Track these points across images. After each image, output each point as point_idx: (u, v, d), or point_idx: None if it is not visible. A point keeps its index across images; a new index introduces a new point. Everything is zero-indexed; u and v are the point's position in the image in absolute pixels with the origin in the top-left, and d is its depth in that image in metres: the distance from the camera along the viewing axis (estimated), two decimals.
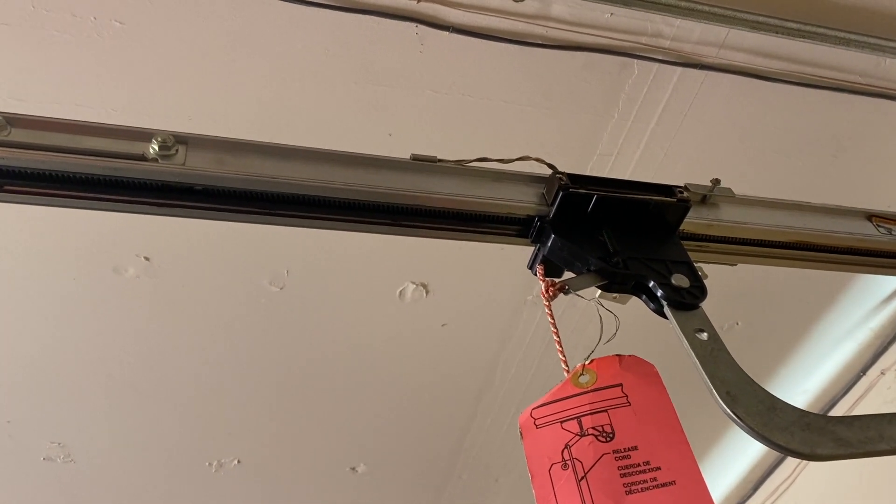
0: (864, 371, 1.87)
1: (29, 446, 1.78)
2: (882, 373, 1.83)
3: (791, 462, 2.05)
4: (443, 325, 1.66)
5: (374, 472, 2.06)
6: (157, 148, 0.72)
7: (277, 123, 1.22)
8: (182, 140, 0.75)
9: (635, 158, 1.36)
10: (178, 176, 0.72)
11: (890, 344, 1.79)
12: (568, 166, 1.38)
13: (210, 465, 1.92)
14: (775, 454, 2.09)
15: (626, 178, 1.40)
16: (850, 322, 1.82)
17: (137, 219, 1.35)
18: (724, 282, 1.64)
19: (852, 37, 1.20)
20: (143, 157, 0.72)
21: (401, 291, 1.55)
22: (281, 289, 1.49)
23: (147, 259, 1.41)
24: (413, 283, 1.54)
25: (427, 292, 1.57)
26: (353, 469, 2.04)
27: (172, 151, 0.73)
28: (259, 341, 1.62)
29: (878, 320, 1.78)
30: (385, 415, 1.90)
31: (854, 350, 1.85)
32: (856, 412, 1.91)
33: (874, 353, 1.83)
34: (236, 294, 1.50)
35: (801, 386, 1.97)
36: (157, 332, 1.56)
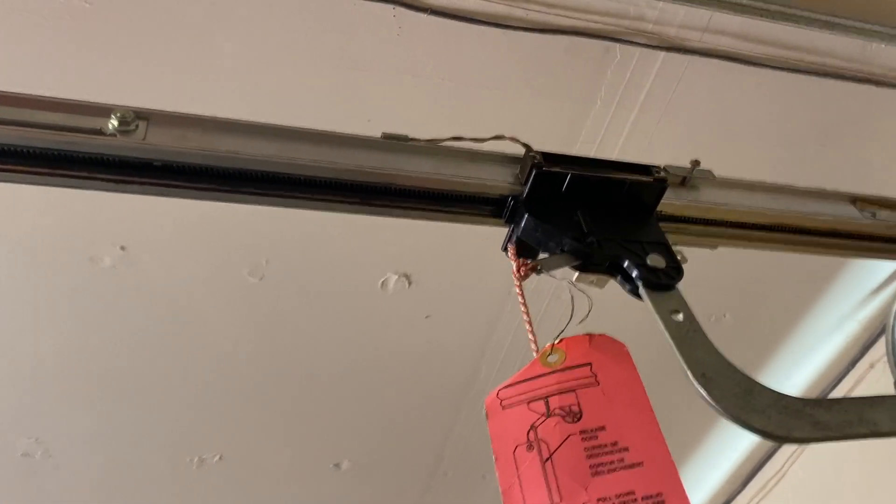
0: (853, 364, 1.85)
1: (6, 442, 1.75)
2: (871, 366, 1.81)
3: (782, 456, 2.04)
4: (426, 316, 1.63)
5: (359, 468, 2.03)
6: (115, 123, 0.70)
7: (253, 107, 1.20)
8: (143, 116, 0.72)
9: (619, 145, 1.34)
10: (137, 151, 0.70)
11: (879, 336, 1.77)
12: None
13: (191, 460, 1.90)
14: (766, 448, 2.08)
15: (613, 160, 1.39)
16: (839, 314, 1.80)
17: (112, 207, 1.34)
18: (712, 273, 1.63)
19: (837, 20, 1.18)
20: (100, 132, 0.70)
21: (383, 282, 1.53)
22: (260, 279, 1.46)
23: (123, 249, 1.38)
24: (395, 273, 1.52)
25: (410, 283, 1.54)
26: (337, 465, 2.01)
27: (132, 127, 0.71)
28: (239, 334, 1.59)
29: (867, 312, 1.77)
30: (369, 410, 1.88)
31: (843, 343, 1.83)
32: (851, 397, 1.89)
33: (863, 346, 1.81)
34: (215, 285, 1.47)
35: (790, 379, 1.95)
36: (136, 323, 1.54)
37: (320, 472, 2.03)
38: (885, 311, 1.72)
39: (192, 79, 1.15)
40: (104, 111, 0.71)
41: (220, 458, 1.92)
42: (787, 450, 2.02)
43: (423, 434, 1.99)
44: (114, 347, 1.58)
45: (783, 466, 2.01)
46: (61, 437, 1.78)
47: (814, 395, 1.96)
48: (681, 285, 0.76)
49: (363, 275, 1.51)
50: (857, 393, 1.86)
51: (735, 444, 2.11)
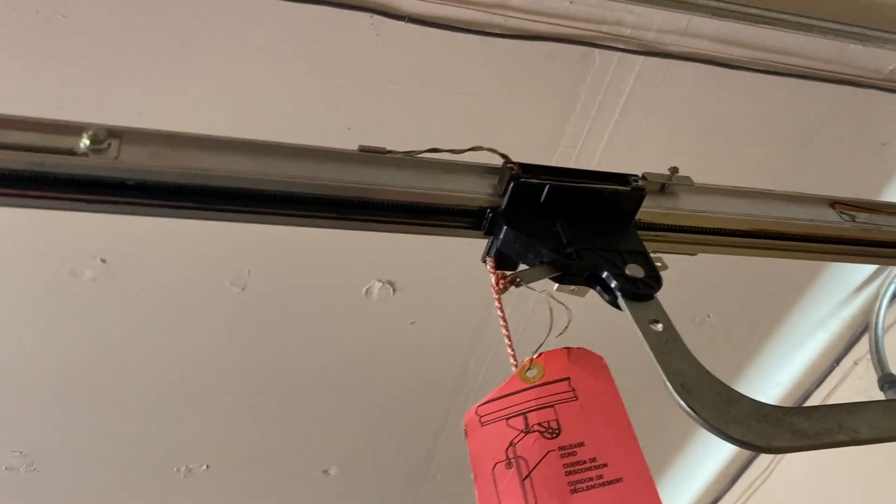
0: (837, 362, 1.86)
1: None
2: (855, 363, 1.82)
3: (767, 455, 2.05)
4: (412, 323, 1.63)
5: (347, 474, 2.03)
6: (87, 142, 0.69)
7: (232, 119, 1.19)
8: (115, 134, 0.71)
9: (600, 150, 1.34)
10: (110, 170, 0.69)
11: (862, 334, 1.78)
12: (532, 159, 1.35)
13: (178, 470, 1.88)
14: None
15: (590, 169, 1.39)
16: (822, 313, 1.81)
17: (92, 220, 1.33)
18: (695, 274, 1.64)
19: (815, 22, 1.19)
20: (72, 152, 0.69)
21: (367, 290, 1.52)
22: (243, 289, 1.45)
23: (104, 261, 1.37)
24: (379, 281, 1.52)
25: (394, 290, 1.54)
26: (326, 472, 2.01)
27: (104, 146, 0.70)
28: (223, 343, 1.58)
29: (850, 310, 1.78)
30: (357, 416, 1.87)
31: (827, 341, 1.84)
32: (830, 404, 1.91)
33: (847, 344, 1.83)
34: (197, 295, 1.46)
35: (775, 378, 1.96)
36: (119, 335, 1.52)
37: (309, 478, 2.03)
38: (867, 309, 1.74)
39: (170, 92, 1.14)
40: (76, 130, 0.70)
41: (208, 467, 1.91)
42: None
43: (412, 439, 1.99)
44: (98, 360, 1.57)
45: (769, 465, 2.02)
46: (46, 450, 1.76)
47: (799, 392, 1.97)
48: (660, 294, 0.76)
49: (347, 282, 1.51)
50: (843, 390, 1.88)
51: (721, 444, 2.12)
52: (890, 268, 1.69)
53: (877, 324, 1.67)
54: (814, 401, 1.93)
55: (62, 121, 0.71)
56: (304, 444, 1.92)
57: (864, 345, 1.77)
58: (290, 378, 1.72)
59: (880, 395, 1.62)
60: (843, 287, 1.75)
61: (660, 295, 0.78)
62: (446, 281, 1.55)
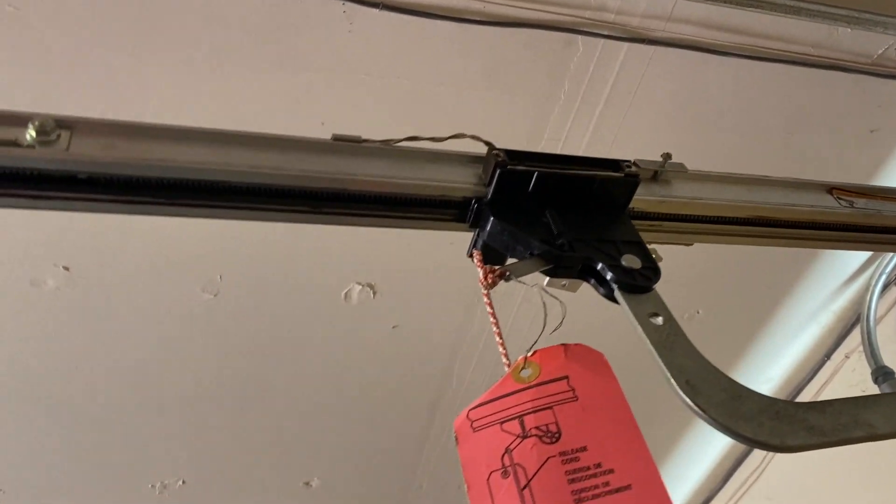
0: (828, 356, 1.83)
1: None
2: (846, 356, 1.80)
3: (759, 453, 2.01)
4: (393, 326, 1.57)
5: (329, 485, 1.96)
6: (34, 133, 0.63)
7: (196, 115, 1.13)
8: (66, 125, 0.65)
9: (585, 140, 1.29)
10: (58, 163, 0.63)
11: (853, 327, 1.75)
12: None
13: (153, 486, 1.81)
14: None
15: (581, 155, 1.34)
16: (812, 306, 1.78)
17: (52, 226, 1.26)
18: (683, 270, 1.59)
19: (802, 5, 1.15)
20: (16, 143, 0.63)
21: (346, 293, 1.47)
22: (215, 296, 1.39)
23: (67, 269, 1.30)
24: (359, 283, 1.46)
25: (375, 293, 1.48)
26: (307, 483, 1.94)
27: (53, 137, 0.64)
28: (196, 352, 1.52)
29: (840, 303, 1.75)
30: (338, 424, 1.81)
31: (817, 334, 1.81)
32: (822, 398, 1.88)
33: (837, 337, 1.80)
34: (167, 303, 1.40)
35: (765, 374, 1.92)
36: (85, 347, 1.45)
37: (290, 491, 1.96)
38: (858, 301, 1.71)
39: (127, 90, 1.08)
40: (21, 120, 0.64)
41: (184, 482, 1.84)
42: None
43: (396, 447, 1.93)
44: (63, 373, 1.49)
45: (762, 462, 1.99)
46: (11, 470, 1.69)
47: (791, 387, 1.94)
48: (658, 286, 0.71)
49: (325, 286, 1.45)
50: (835, 384, 1.85)
51: (713, 440, 2.08)
52: (880, 259, 1.66)
53: (868, 315, 1.63)
54: (805, 396, 1.90)
55: (5, 110, 0.65)
56: (284, 455, 1.86)
57: (854, 337, 1.75)
58: (267, 386, 1.66)
59: (874, 389, 1.59)
60: (834, 279, 1.72)
61: None
62: (428, 282, 1.49)
